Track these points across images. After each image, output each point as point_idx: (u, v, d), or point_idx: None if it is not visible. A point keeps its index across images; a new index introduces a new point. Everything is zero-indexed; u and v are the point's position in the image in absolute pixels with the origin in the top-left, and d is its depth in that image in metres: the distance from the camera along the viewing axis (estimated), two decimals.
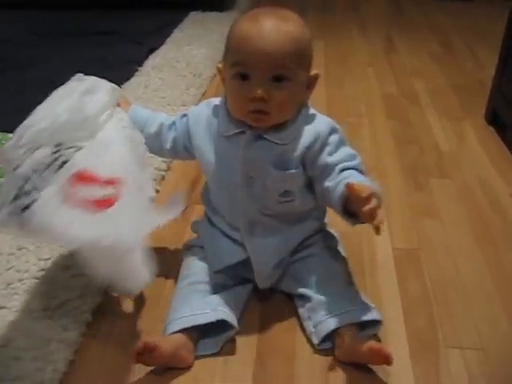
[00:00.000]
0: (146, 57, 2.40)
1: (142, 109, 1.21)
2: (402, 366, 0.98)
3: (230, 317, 1.01)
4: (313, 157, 1.01)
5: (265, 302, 1.13)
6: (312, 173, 1.03)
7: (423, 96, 2.13)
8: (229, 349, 1.02)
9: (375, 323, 1.03)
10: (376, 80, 2.28)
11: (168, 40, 2.63)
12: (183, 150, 1.13)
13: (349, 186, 0.91)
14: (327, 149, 1.01)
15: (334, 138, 1.02)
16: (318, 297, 1.04)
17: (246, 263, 1.08)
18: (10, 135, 1.68)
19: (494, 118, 1.88)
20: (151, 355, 0.94)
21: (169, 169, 1.59)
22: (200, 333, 1.01)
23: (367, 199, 0.89)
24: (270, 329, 1.07)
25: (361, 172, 1.01)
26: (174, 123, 1.13)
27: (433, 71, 2.38)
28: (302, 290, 1.08)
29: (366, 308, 1.03)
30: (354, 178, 0.97)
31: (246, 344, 1.03)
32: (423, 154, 1.71)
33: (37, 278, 1.15)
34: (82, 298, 1.10)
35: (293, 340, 1.04)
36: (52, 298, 1.10)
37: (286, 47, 0.93)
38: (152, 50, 2.48)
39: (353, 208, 0.94)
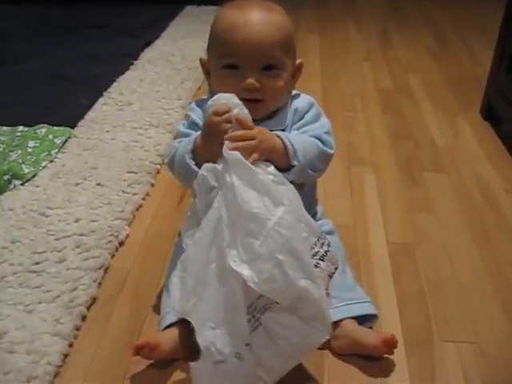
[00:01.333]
0: (142, 50, 2.40)
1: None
2: (397, 360, 0.98)
3: None
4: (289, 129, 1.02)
5: None
6: None
7: (419, 91, 2.12)
8: None
9: (371, 317, 1.03)
10: (372, 75, 2.27)
11: (163, 34, 2.63)
12: None
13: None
14: (300, 122, 1.02)
15: (310, 114, 1.03)
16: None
17: None
18: (5, 128, 1.68)
19: (489, 113, 1.88)
20: (152, 352, 0.94)
21: (164, 163, 1.58)
22: None
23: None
24: None
25: (322, 140, 1.00)
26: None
27: (428, 66, 2.38)
28: None
29: (362, 301, 1.03)
30: (292, 134, 0.98)
31: None
32: (418, 149, 1.71)
33: (31, 272, 1.15)
34: (76, 291, 1.10)
35: None
36: (46, 291, 1.09)
37: (275, 36, 0.94)
38: (147, 44, 2.47)
39: None
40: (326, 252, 0.90)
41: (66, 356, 0.98)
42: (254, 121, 0.97)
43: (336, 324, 0.98)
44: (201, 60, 1.04)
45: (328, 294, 0.89)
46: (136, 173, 1.50)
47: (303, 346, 0.86)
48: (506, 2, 1.78)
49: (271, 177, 0.88)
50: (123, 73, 2.16)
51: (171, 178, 1.50)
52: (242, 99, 0.94)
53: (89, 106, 1.87)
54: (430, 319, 1.08)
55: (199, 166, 0.93)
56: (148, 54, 2.37)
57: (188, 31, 2.65)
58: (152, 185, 1.49)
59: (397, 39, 2.72)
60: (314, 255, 0.87)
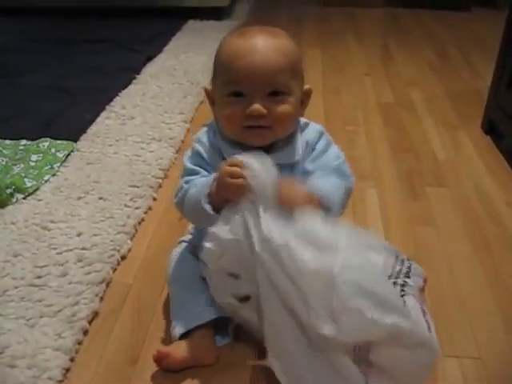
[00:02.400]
0: (144, 65, 2.41)
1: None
2: None
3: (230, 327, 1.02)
4: (307, 165, 1.01)
5: None
6: None
7: (420, 105, 2.13)
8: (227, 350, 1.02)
9: None
10: (373, 89, 2.28)
11: (166, 48, 2.64)
12: None
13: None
14: (312, 154, 1.01)
15: (320, 145, 1.02)
16: None
17: None
18: (7, 142, 1.69)
19: (490, 127, 1.88)
20: (167, 362, 0.95)
21: (166, 177, 1.59)
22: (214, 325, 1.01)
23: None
24: None
25: (340, 170, 1.01)
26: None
27: (429, 80, 2.38)
28: None
29: None
30: (317, 180, 0.97)
31: (244, 348, 1.03)
32: (420, 163, 1.71)
33: (32, 285, 1.15)
34: (78, 306, 1.10)
35: None
36: (48, 305, 1.10)
37: (281, 61, 0.92)
38: (150, 58, 2.48)
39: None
40: (409, 267, 0.89)
41: (67, 370, 0.98)
42: (261, 148, 0.95)
43: None
44: (205, 90, 1.02)
45: (424, 311, 0.88)
46: (138, 187, 1.50)
47: (419, 369, 0.86)
48: (507, 16, 1.79)
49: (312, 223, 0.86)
50: (126, 87, 2.16)
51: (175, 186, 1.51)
52: (248, 127, 0.93)
53: (91, 120, 1.88)
54: None
55: (216, 209, 0.92)
56: (150, 68, 2.38)
57: (190, 45, 2.67)
58: (154, 199, 1.49)
59: (397, 53, 2.73)
60: (397, 276, 0.87)
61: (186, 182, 1.00)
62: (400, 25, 3.27)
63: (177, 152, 1.72)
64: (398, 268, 0.87)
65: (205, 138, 1.02)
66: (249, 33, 0.95)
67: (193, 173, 1.01)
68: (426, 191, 1.56)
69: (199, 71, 2.32)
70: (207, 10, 3.06)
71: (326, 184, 0.97)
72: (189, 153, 1.04)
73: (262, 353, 1.01)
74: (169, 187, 1.55)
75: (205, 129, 1.05)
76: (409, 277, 0.88)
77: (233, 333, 1.02)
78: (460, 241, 1.36)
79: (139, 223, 1.39)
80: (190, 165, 1.02)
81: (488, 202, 1.51)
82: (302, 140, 1.01)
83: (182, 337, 0.99)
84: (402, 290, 0.86)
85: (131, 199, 1.45)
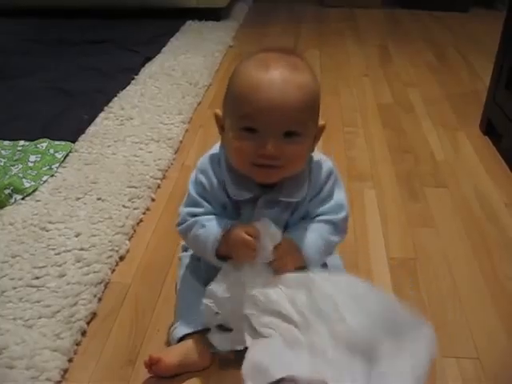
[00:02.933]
0: (143, 65, 2.41)
1: None
2: None
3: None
4: (314, 199, 1.00)
5: None
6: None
7: (418, 106, 2.13)
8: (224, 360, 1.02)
9: None
10: (372, 90, 2.28)
11: (164, 49, 2.64)
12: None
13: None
14: (319, 197, 0.99)
15: (327, 188, 1.00)
16: None
17: None
18: (6, 143, 1.69)
19: (489, 128, 1.88)
20: (157, 367, 0.95)
21: (164, 177, 1.59)
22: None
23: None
24: None
25: (337, 226, 1.00)
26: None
27: (428, 81, 2.39)
28: None
29: None
30: (311, 238, 0.97)
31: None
32: (419, 164, 1.71)
33: (31, 286, 1.15)
34: (76, 306, 1.10)
35: None
36: (46, 306, 1.09)
37: (300, 102, 0.87)
38: (148, 59, 2.49)
39: None
40: None
41: (65, 371, 0.97)
42: (267, 187, 0.95)
43: None
44: (216, 114, 0.96)
45: None
46: (136, 187, 1.50)
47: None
48: (505, 17, 1.79)
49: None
50: (124, 87, 2.16)
51: (171, 193, 1.51)
52: (258, 165, 0.90)
53: (89, 121, 1.88)
54: None
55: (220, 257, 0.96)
56: (149, 68, 2.38)
57: (189, 46, 2.67)
58: (152, 199, 1.49)
59: (396, 54, 2.73)
60: None
61: (190, 215, 0.99)
62: (399, 26, 3.27)
63: (175, 153, 1.72)
64: None
65: (209, 170, 0.99)
66: (268, 62, 0.88)
67: (196, 205, 0.99)
68: (424, 192, 1.56)
69: (198, 72, 2.32)
70: (206, 11, 3.07)
71: (317, 246, 0.97)
72: (193, 178, 1.01)
73: None
74: (167, 188, 1.55)
75: (208, 158, 1.00)
76: None
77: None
78: (459, 242, 1.36)
79: (137, 224, 1.39)
80: (194, 194, 0.99)
81: (487, 203, 1.51)
82: (312, 179, 0.98)
83: (181, 339, 0.99)
84: None
85: (129, 200, 1.45)
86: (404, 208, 1.49)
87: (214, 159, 0.99)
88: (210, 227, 0.96)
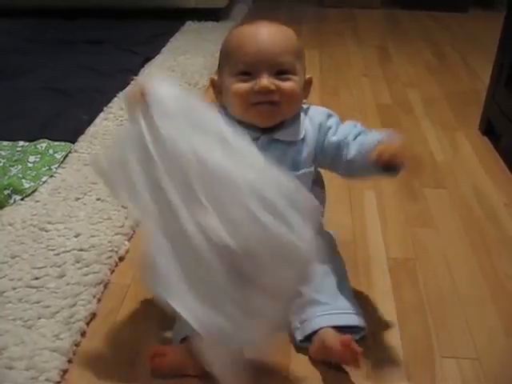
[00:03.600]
0: (142, 66, 2.41)
1: None
2: (397, 376, 0.98)
3: None
4: (321, 146, 1.05)
5: None
6: (326, 160, 1.06)
7: (418, 106, 2.13)
8: None
9: (358, 329, 1.03)
10: (371, 90, 2.28)
11: (164, 49, 2.64)
12: None
13: (376, 159, 0.93)
14: (330, 132, 1.05)
15: (332, 121, 1.06)
16: (310, 295, 1.03)
17: None
18: (5, 143, 1.69)
19: (488, 128, 1.88)
20: (160, 361, 0.95)
21: None
22: None
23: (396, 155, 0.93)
24: None
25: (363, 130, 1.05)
26: None
27: (427, 81, 2.39)
28: None
29: (354, 313, 1.03)
30: (368, 138, 1.00)
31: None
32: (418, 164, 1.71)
33: (30, 287, 1.15)
34: (76, 307, 1.09)
35: (288, 351, 1.04)
36: (45, 306, 1.09)
37: (286, 43, 0.98)
38: (148, 59, 2.48)
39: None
40: None
41: (65, 372, 0.97)
42: (269, 129, 1.01)
43: (318, 331, 1.00)
44: (211, 80, 1.06)
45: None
46: None
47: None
48: (504, 17, 1.79)
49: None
50: (123, 88, 2.15)
51: None
52: (258, 103, 0.97)
53: (89, 121, 1.88)
54: (431, 335, 1.07)
55: None
56: (148, 69, 2.38)
57: (188, 47, 2.67)
58: None
59: (396, 55, 2.73)
60: None
61: None
62: (398, 26, 3.28)
63: None
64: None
65: None
66: (255, 22, 1.01)
67: None
68: (424, 192, 1.56)
69: (197, 72, 2.32)
70: (205, 11, 3.07)
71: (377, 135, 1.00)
72: None
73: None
74: None
75: None
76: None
77: None
78: (458, 242, 1.36)
79: (137, 224, 1.39)
80: None
81: (486, 203, 1.51)
82: (312, 122, 1.05)
83: (184, 340, 0.99)
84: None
85: None
86: (403, 208, 1.49)
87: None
88: None
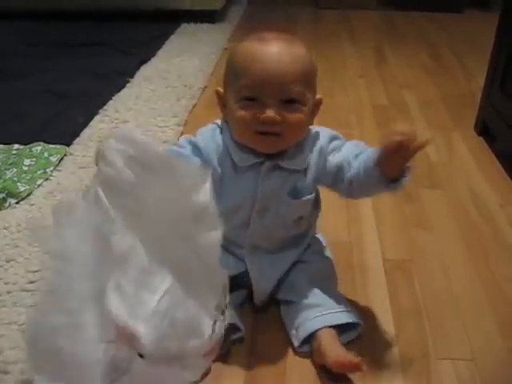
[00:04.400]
0: (138, 68, 2.41)
1: None
2: (393, 377, 0.98)
3: (237, 320, 1.02)
4: (322, 169, 1.01)
5: (259, 305, 1.13)
6: (327, 180, 1.03)
7: (413, 107, 2.13)
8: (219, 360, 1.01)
9: (355, 326, 1.03)
10: (367, 91, 2.28)
11: (159, 51, 2.64)
12: None
13: (381, 150, 0.91)
14: (331, 153, 1.01)
15: (334, 144, 1.03)
16: (301, 301, 1.05)
17: (243, 276, 1.08)
18: (0, 146, 1.68)
19: (483, 129, 1.88)
20: None
21: None
22: None
23: (402, 145, 0.89)
24: (263, 339, 1.06)
25: (357, 144, 1.04)
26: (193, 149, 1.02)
27: (423, 83, 2.39)
28: (286, 296, 1.09)
29: (346, 311, 1.03)
30: (369, 152, 0.98)
31: (237, 354, 1.02)
32: (414, 165, 1.71)
33: (25, 290, 1.14)
34: None
35: (284, 352, 1.04)
36: None
37: (297, 70, 0.91)
38: (143, 62, 2.48)
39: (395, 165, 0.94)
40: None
41: None
42: (274, 160, 0.97)
43: (314, 334, 1.00)
44: (217, 92, 1.00)
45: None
46: None
47: None
48: (499, 17, 1.79)
49: None
50: (119, 90, 2.16)
51: None
52: (260, 132, 0.93)
53: (84, 124, 1.87)
54: (427, 336, 1.07)
55: None
56: (144, 71, 2.38)
57: (183, 49, 2.67)
58: None
59: (391, 56, 2.73)
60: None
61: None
62: (394, 27, 3.28)
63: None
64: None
65: (208, 133, 1.02)
66: (266, 38, 0.93)
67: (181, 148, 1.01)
68: (419, 193, 1.56)
69: (193, 74, 2.32)
70: (201, 13, 3.06)
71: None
72: (191, 136, 1.04)
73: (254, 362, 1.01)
74: None
75: (209, 127, 1.04)
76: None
77: (227, 347, 1.01)
78: (454, 243, 1.36)
79: None
80: (184, 143, 1.02)
81: (482, 204, 1.51)
82: (315, 149, 1.01)
83: None
84: None
85: None
86: (399, 209, 1.49)
87: (215, 127, 1.02)
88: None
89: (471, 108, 1.98)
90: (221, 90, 1.00)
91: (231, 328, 0.99)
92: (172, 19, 3.04)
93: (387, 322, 1.10)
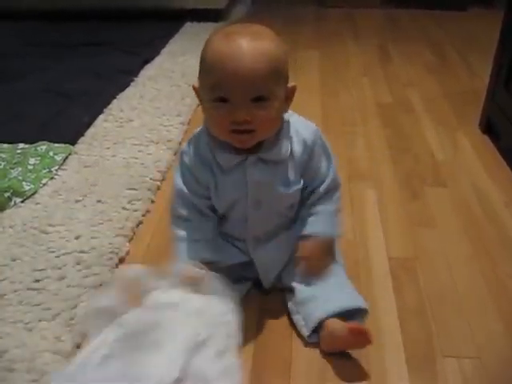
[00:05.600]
0: (142, 67, 2.41)
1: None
2: (398, 376, 0.98)
3: None
4: (304, 164, 1.06)
5: (264, 297, 1.16)
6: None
7: (418, 105, 2.13)
8: None
9: (361, 312, 1.05)
10: (371, 89, 2.28)
11: (163, 51, 2.64)
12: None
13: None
14: (314, 161, 1.06)
15: (316, 149, 1.06)
16: (307, 290, 1.07)
17: (245, 265, 1.12)
18: (5, 145, 1.69)
19: (488, 127, 1.88)
20: None
21: (164, 179, 1.59)
22: None
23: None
24: (268, 330, 1.07)
25: (330, 193, 1.10)
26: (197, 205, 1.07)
27: (427, 81, 2.38)
28: (291, 284, 1.11)
29: (353, 297, 1.06)
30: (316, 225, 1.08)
31: (243, 349, 1.02)
32: (418, 163, 1.71)
33: (31, 289, 1.15)
34: (77, 309, 1.10)
35: (289, 344, 1.04)
36: (46, 308, 1.09)
37: (264, 68, 0.91)
38: (147, 61, 2.49)
39: None
40: None
41: None
42: (249, 150, 1.00)
43: (322, 325, 1.01)
44: (194, 87, 1.02)
45: None
46: (136, 189, 1.50)
47: None
48: (503, 15, 1.79)
49: None
50: (123, 90, 2.16)
51: (171, 194, 1.51)
52: (233, 131, 0.95)
53: (89, 123, 1.88)
54: (432, 334, 1.07)
55: None
56: (148, 70, 2.39)
57: (188, 48, 2.67)
58: (152, 201, 1.49)
59: (395, 54, 2.73)
60: None
61: (178, 201, 1.08)
62: (397, 25, 3.27)
63: (175, 154, 1.72)
64: None
65: (191, 149, 1.06)
66: (233, 35, 0.93)
67: (181, 194, 1.07)
68: (424, 191, 1.55)
69: (197, 73, 2.31)
70: (204, 12, 3.07)
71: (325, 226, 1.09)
72: (179, 165, 1.08)
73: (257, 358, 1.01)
74: (167, 190, 1.54)
75: (192, 138, 1.08)
76: None
77: None
78: (458, 241, 1.36)
79: (137, 226, 1.39)
80: (179, 183, 1.07)
81: (486, 202, 1.51)
82: (297, 138, 1.04)
83: None
84: None
85: (129, 202, 1.45)
86: (404, 207, 1.48)
87: (199, 136, 1.06)
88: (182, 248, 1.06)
89: (475, 106, 1.98)
90: (196, 85, 1.02)
91: None
92: (176, 18, 3.05)
93: (392, 320, 1.10)
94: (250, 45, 0.91)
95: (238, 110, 0.92)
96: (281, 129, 1.02)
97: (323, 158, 1.08)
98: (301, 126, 1.05)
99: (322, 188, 1.08)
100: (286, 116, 1.04)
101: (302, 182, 1.06)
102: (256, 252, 1.10)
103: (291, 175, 1.04)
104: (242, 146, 0.99)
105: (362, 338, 0.97)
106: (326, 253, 1.10)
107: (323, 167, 1.08)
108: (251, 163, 1.01)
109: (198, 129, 1.08)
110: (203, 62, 0.96)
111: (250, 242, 1.10)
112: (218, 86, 0.93)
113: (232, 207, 1.06)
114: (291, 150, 1.03)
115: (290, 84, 1.00)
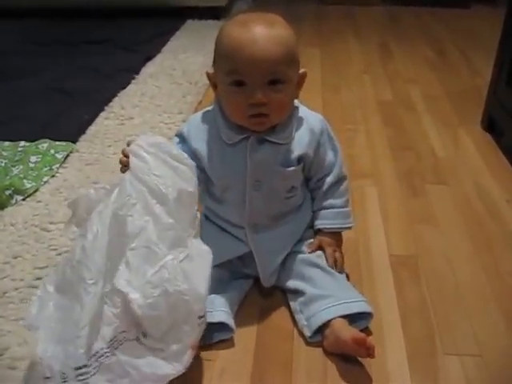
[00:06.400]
0: (143, 65, 2.41)
1: None
2: (400, 373, 0.98)
3: (229, 320, 1.04)
4: (311, 155, 1.09)
5: (266, 296, 1.15)
6: (308, 172, 1.12)
7: (419, 103, 2.13)
8: (226, 353, 1.02)
9: (366, 316, 1.05)
10: (372, 87, 2.28)
11: (164, 48, 2.64)
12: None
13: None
14: (321, 150, 1.10)
15: (323, 139, 1.11)
16: (311, 290, 1.07)
17: (246, 259, 1.12)
18: (6, 143, 1.69)
19: (490, 125, 1.88)
20: None
21: None
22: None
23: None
24: (269, 329, 1.07)
25: (337, 184, 1.14)
26: None
27: (428, 78, 2.38)
28: (294, 284, 1.11)
29: (358, 300, 1.05)
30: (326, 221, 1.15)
31: (244, 348, 1.03)
32: (419, 161, 1.71)
33: (32, 287, 1.15)
34: None
35: (290, 343, 1.04)
36: None
37: (279, 52, 0.97)
38: (149, 59, 2.48)
39: None
40: None
41: None
42: (260, 134, 1.03)
43: (327, 323, 1.01)
44: (208, 73, 1.07)
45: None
46: None
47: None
48: (505, 13, 1.79)
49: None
50: (124, 87, 2.16)
51: None
52: (250, 116, 0.99)
53: (90, 121, 1.88)
54: (433, 332, 1.07)
55: None
56: (149, 68, 2.38)
57: (189, 45, 2.67)
58: None
59: (396, 51, 2.73)
60: None
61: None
62: (399, 23, 3.27)
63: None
64: None
65: (196, 119, 1.11)
66: (249, 22, 0.99)
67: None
68: (425, 189, 1.55)
69: (198, 71, 2.32)
70: (206, 10, 3.06)
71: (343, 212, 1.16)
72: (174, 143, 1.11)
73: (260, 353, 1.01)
74: None
75: (204, 111, 1.12)
76: None
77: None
78: (460, 238, 1.35)
79: None
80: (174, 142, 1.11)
81: (488, 200, 1.51)
82: (305, 127, 1.08)
83: None
84: None
85: None
86: (405, 205, 1.48)
87: (208, 112, 1.11)
88: None
89: (477, 103, 1.97)
90: (210, 71, 1.06)
91: (221, 327, 1.03)
92: (177, 16, 3.05)
93: (394, 318, 1.10)
94: (264, 31, 0.97)
95: (255, 92, 0.97)
96: (291, 114, 1.06)
97: (329, 147, 1.12)
98: (308, 115, 1.10)
99: (329, 178, 1.12)
100: (296, 103, 1.08)
101: (301, 164, 1.08)
102: (255, 241, 1.10)
103: (291, 156, 1.06)
104: (257, 128, 1.02)
105: (365, 350, 0.95)
106: (341, 245, 1.17)
107: (330, 156, 1.12)
108: (254, 142, 1.04)
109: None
110: (219, 49, 1.02)
111: (248, 229, 1.10)
112: (236, 71, 0.97)
113: (229, 186, 1.08)
114: (297, 134, 1.06)
115: (301, 70, 1.05)
